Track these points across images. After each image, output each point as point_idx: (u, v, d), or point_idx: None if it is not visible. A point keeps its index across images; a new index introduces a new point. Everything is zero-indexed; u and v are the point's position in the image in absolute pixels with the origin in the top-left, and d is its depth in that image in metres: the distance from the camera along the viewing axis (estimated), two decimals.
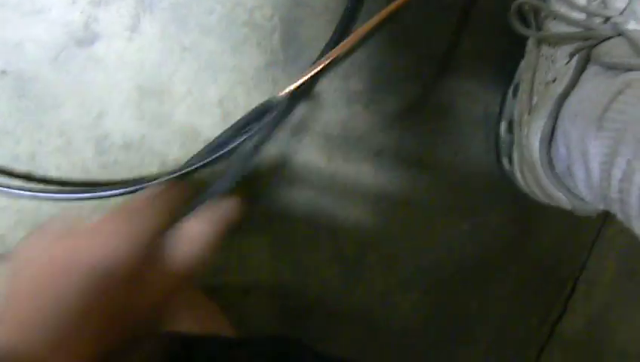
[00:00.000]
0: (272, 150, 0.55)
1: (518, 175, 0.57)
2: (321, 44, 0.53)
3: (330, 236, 0.58)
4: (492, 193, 0.61)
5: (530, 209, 0.62)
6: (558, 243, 0.64)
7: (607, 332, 0.68)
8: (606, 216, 0.64)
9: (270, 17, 0.53)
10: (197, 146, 0.53)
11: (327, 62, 0.52)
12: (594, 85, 0.47)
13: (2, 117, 0.50)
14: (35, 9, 0.49)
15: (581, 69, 0.48)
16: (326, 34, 0.53)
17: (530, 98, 0.53)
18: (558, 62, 0.50)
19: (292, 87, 0.52)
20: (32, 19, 0.49)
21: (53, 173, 0.52)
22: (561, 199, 0.52)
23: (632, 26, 0.47)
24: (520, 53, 0.57)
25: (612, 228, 0.65)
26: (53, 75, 0.50)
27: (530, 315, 0.66)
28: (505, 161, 0.59)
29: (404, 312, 0.62)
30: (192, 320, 0.51)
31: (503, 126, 0.59)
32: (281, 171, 0.56)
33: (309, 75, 0.52)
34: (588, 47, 0.47)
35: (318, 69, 0.52)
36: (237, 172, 0.49)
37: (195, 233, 0.36)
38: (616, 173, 0.42)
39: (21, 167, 0.51)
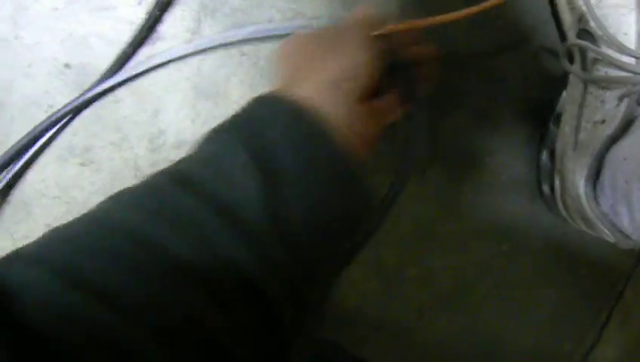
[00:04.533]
0: None
1: (560, 202, 0.58)
2: None
3: (372, 247, 0.58)
4: (532, 216, 0.61)
5: (568, 234, 0.62)
6: (595, 271, 0.64)
7: None
8: None
9: None
10: None
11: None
12: None
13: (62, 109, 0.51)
14: (103, 6, 0.50)
15: (630, 114, 0.48)
16: None
17: (576, 134, 0.53)
18: (608, 104, 0.50)
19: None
20: (99, 16, 0.50)
21: (105, 165, 0.53)
22: (605, 233, 0.52)
23: None
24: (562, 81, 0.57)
25: None
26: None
27: (563, 341, 0.65)
28: (545, 187, 0.59)
29: (439, 329, 0.62)
30: None
31: (545, 154, 0.59)
32: None
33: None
34: (638, 92, 0.48)
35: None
36: None
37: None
38: None
39: (75, 159, 0.52)
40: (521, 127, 0.60)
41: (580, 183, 0.51)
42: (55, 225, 0.53)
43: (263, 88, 0.53)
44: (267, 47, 0.53)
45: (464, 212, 0.59)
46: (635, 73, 0.47)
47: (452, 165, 0.58)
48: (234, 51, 0.52)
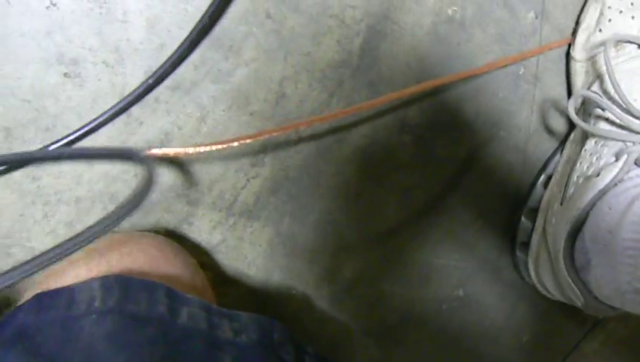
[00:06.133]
0: (312, 152, 0.53)
1: (531, 263, 0.57)
2: (397, 62, 0.53)
3: (332, 255, 0.56)
4: (495, 271, 0.60)
5: (523, 298, 0.61)
6: (538, 341, 0.63)
7: None
8: (587, 332, 0.65)
9: (359, 20, 0.52)
10: (240, 113, 0.51)
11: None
12: (634, 183, 0.48)
13: (65, 12, 0.47)
14: None
15: (627, 170, 0.49)
16: (404, 53, 0.53)
17: (565, 189, 0.54)
18: (603, 160, 0.51)
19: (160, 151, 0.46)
20: None
21: (90, 84, 0.48)
22: (574, 293, 0.52)
23: None
24: (550, 148, 0.58)
25: (590, 345, 0.65)
26: None
27: None
28: (519, 247, 0.59)
29: (373, 356, 0.59)
30: (183, 279, 0.47)
31: (526, 211, 0.59)
32: (309, 172, 0.54)
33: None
34: (637, 152, 0.49)
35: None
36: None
37: None
38: None
39: (60, 67, 0.48)
40: (508, 183, 0.59)
41: (561, 236, 0.51)
42: (14, 131, 0.48)
43: (277, 57, 0.51)
44: (294, 18, 0.51)
45: (433, 246, 0.58)
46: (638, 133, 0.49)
47: (435, 199, 0.57)
48: (260, 10, 0.50)
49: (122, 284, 0.38)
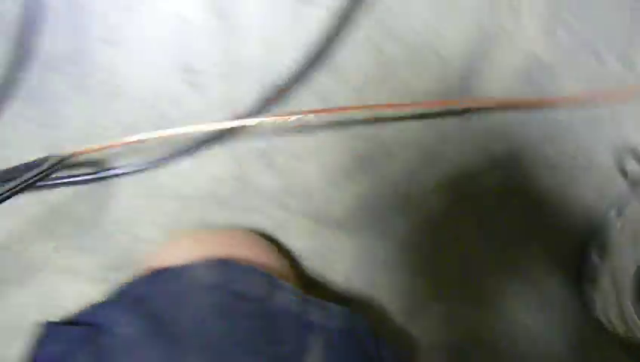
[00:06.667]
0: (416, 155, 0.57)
1: (598, 299, 0.60)
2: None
3: (411, 273, 0.59)
4: (560, 302, 0.63)
5: (586, 333, 0.64)
6: None
7: None
8: None
9: (456, 57, 0.56)
10: (343, 133, 0.55)
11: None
12: None
13: (192, 23, 0.52)
14: None
15: None
16: (494, 89, 0.57)
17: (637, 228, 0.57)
18: None
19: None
20: None
21: (208, 93, 0.53)
22: None
23: None
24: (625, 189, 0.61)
25: None
26: None
27: None
28: (586, 282, 0.62)
29: None
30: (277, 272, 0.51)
31: (596, 249, 0.62)
32: (400, 191, 0.58)
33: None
34: None
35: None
36: None
37: None
38: None
39: (184, 75, 0.52)
40: (580, 218, 0.62)
41: (630, 275, 0.54)
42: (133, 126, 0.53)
43: (379, 84, 0.55)
44: (397, 49, 0.55)
45: (504, 273, 0.61)
46: None
47: (510, 227, 0.60)
48: (369, 40, 0.54)
49: (226, 266, 0.44)
